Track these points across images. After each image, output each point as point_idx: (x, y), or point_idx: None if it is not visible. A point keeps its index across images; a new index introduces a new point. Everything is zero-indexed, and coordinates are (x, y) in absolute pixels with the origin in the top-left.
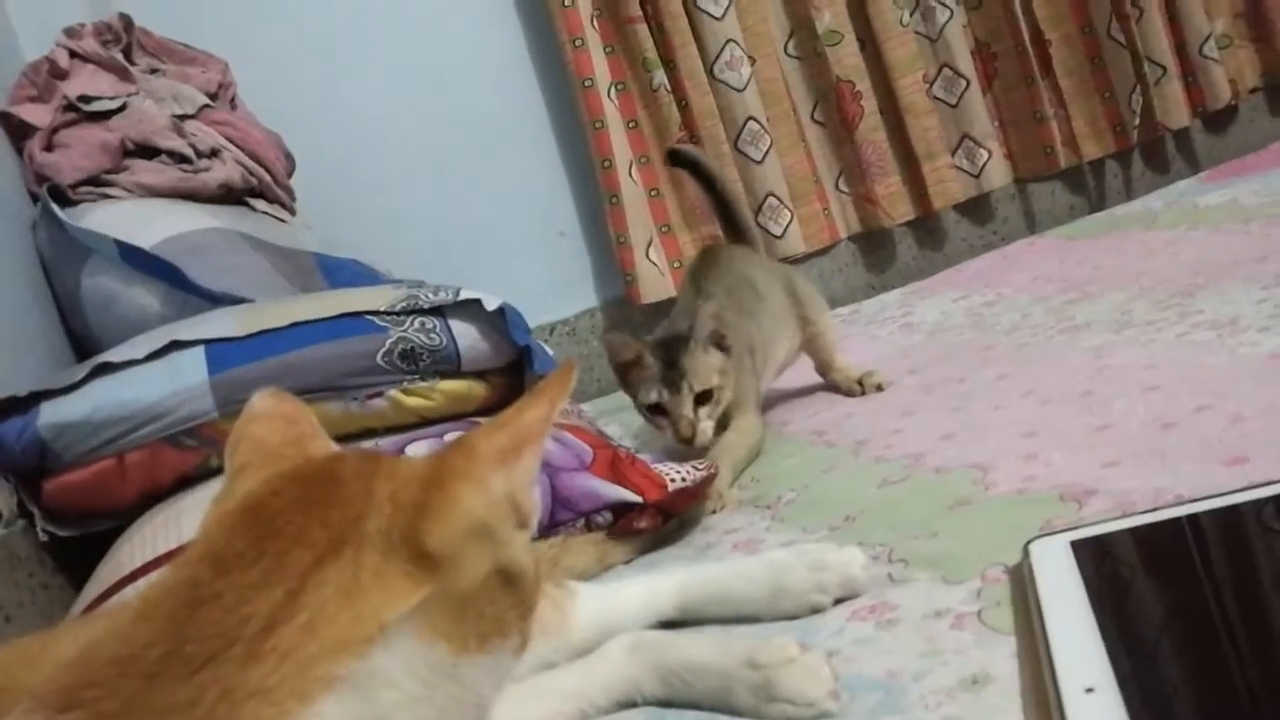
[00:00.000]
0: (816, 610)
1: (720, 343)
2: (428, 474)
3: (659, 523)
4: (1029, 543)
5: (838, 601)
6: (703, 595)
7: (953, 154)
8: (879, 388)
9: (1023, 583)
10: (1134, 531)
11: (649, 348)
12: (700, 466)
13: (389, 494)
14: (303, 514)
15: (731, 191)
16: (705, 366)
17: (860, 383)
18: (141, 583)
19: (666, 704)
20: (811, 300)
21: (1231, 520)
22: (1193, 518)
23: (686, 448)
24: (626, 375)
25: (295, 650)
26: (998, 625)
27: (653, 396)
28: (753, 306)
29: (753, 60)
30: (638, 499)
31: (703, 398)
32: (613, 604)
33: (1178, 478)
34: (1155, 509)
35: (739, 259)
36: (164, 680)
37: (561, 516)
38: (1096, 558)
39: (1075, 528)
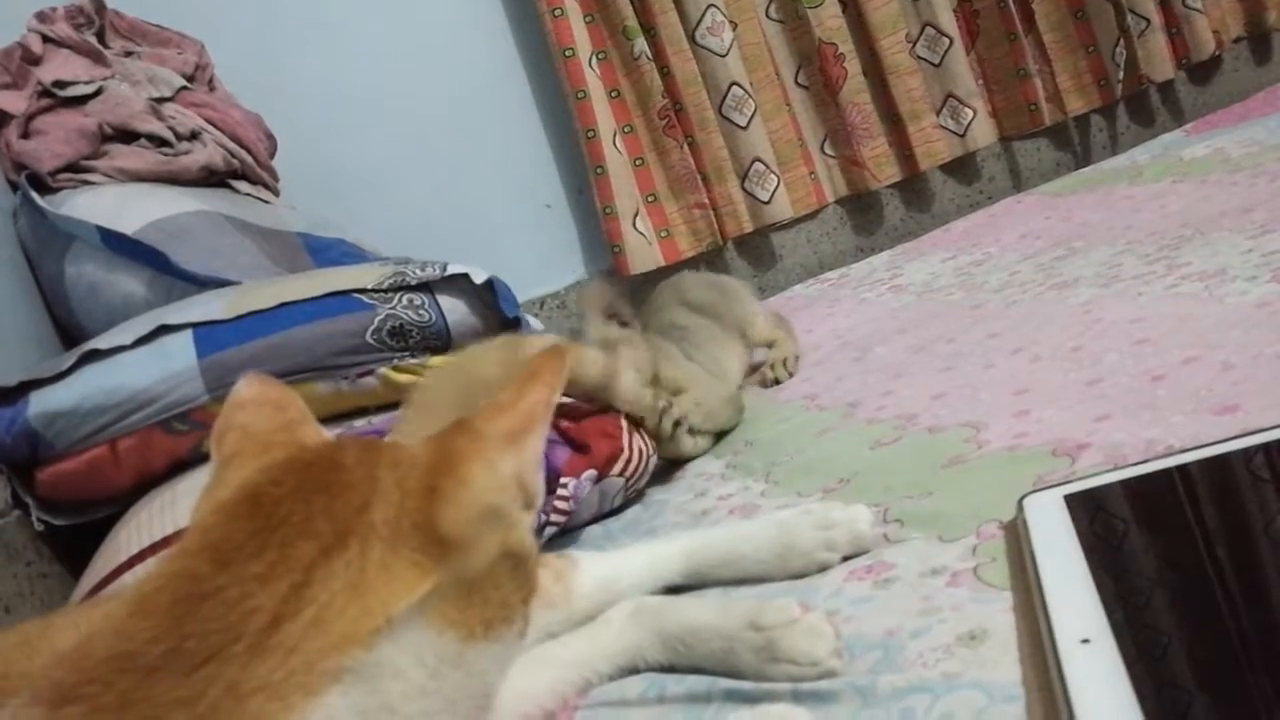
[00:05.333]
0: (825, 568)
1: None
2: (434, 458)
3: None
4: (1023, 498)
5: (845, 559)
6: (709, 558)
7: (937, 114)
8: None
9: (1017, 538)
10: (1126, 483)
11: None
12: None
13: (395, 481)
14: (305, 503)
15: None
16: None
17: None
18: (138, 570)
19: (669, 669)
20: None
21: (1223, 469)
22: (1184, 468)
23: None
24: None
25: (302, 645)
26: (994, 581)
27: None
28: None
29: (734, 25)
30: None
31: None
32: (615, 572)
33: (1169, 429)
34: (1147, 460)
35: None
36: (164, 676)
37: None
38: (1090, 511)
39: (1068, 482)
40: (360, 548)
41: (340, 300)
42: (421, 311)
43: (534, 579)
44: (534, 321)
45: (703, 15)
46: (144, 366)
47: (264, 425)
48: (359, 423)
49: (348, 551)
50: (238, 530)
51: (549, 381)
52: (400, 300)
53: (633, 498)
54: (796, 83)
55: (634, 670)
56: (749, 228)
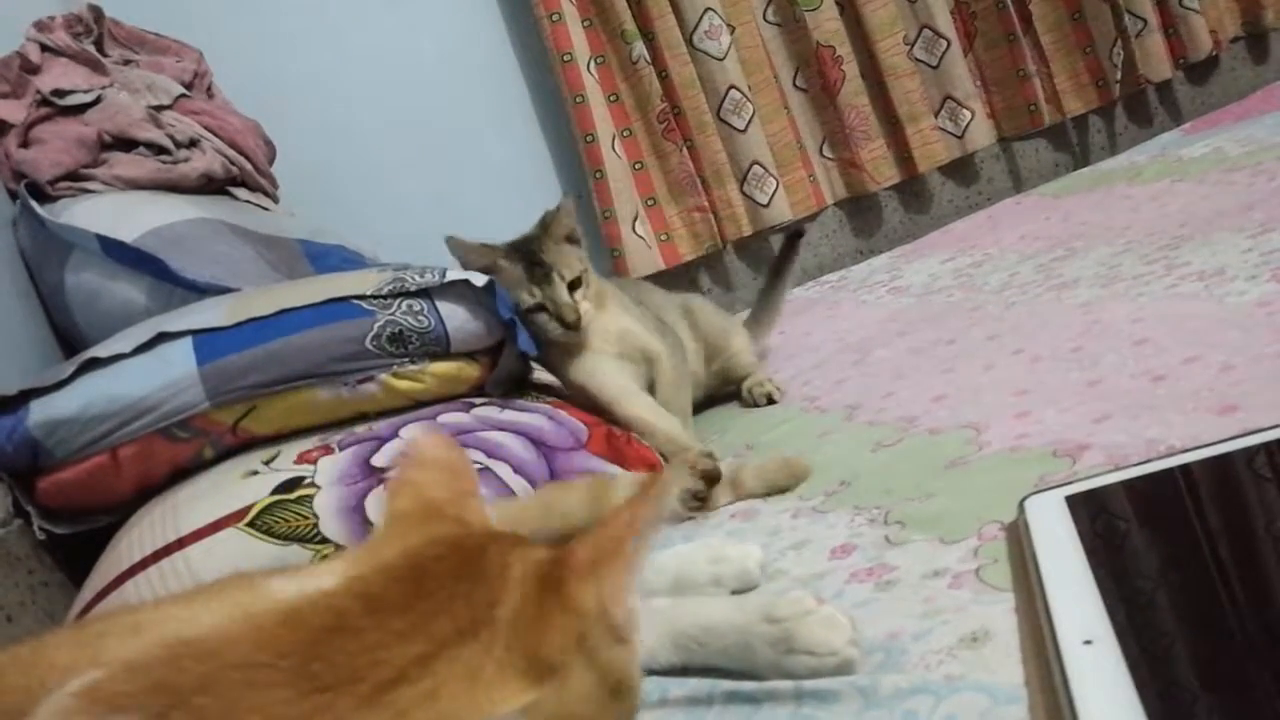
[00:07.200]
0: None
1: (571, 236)
2: (549, 574)
3: None
4: (1024, 499)
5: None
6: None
7: (936, 115)
8: (769, 399)
9: (1019, 539)
10: (1127, 484)
11: (501, 253)
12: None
13: (519, 581)
14: (453, 583)
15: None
16: (568, 256)
17: (751, 391)
18: (139, 580)
19: (681, 670)
20: (720, 330)
21: (1224, 469)
22: (1185, 468)
23: (572, 335)
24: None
25: (410, 712)
26: (996, 582)
27: (526, 299)
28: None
29: (732, 28)
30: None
31: (574, 284)
32: None
33: (1169, 429)
34: (1148, 461)
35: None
36: (282, 688)
37: None
38: (1091, 511)
39: (1069, 483)
40: (487, 642)
41: (340, 307)
42: (421, 318)
43: (636, 709)
44: None
45: (701, 18)
46: (144, 374)
47: (437, 492)
48: (359, 428)
49: (477, 642)
50: (394, 588)
51: (656, 501)
52: (400, 306)
53: None
54: (795, 85)
55: (646, 673)
56: (748, 231)
